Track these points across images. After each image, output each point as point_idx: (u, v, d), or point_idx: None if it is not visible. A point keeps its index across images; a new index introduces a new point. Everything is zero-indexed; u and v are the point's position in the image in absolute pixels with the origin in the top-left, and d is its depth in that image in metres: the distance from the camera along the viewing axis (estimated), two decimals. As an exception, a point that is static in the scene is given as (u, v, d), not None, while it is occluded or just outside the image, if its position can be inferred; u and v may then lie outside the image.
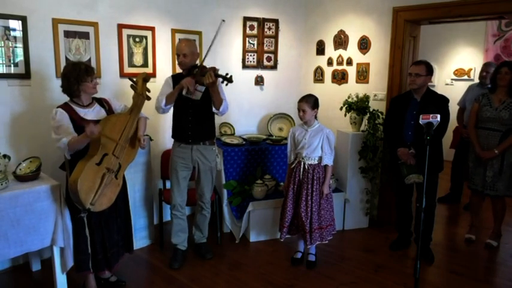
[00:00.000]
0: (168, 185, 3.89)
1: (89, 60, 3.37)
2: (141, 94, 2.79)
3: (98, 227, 2.66)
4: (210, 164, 3.25)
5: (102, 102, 2.77)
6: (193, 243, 3.47)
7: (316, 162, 3.15)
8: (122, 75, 3.63)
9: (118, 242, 2.81)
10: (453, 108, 4.52)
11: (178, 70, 3.95)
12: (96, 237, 2.65)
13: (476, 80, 6.32)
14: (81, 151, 2.56)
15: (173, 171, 3.21)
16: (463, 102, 4.50)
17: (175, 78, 3.18)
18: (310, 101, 3.13)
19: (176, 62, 3.91)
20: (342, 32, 4.31)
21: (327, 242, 3.26)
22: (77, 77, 2.53)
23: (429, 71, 3.20)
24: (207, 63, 3.90)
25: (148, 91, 2.86)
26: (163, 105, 3.07)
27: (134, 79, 2.87)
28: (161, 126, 3.95)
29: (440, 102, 3.15)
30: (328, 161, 3.15)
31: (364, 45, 4.13)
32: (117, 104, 2.86)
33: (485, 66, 4.39)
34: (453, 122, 5.43)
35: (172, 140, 3.26)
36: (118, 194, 2.71)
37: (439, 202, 4.81)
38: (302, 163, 3.15)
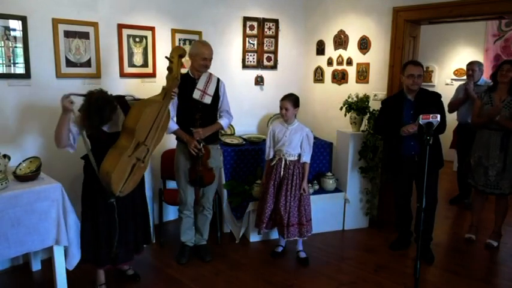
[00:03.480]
0: (168, 185, 3.90)
1: (89, 60, 3.37)
2: (176, 77, 2.71)
3: (105, 221, 2.64)
4: (216, 163, 3.30)
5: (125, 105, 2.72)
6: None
7: (296, 158, 3.26)
8: (122, 75, 3.63)
9: (134, 240, 2.80)
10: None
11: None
12: (101, 231, 2.65)
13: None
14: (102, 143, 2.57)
15: (180, 172, 3.20)
16: (454, 103, 4.51)
17: (182, 80, 3.03)
18: (292, 100, 3.24)
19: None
20: (342, 32, 4.31)
21: (306, 238, 3.35)
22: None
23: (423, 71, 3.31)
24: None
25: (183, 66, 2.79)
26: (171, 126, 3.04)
27: (169, 56, 2.77)
28: (161, 126, 3.95)
29: (434, 99, 3.21)
30: (306, 158, 3.27)
31: (364, 45, 4.13)
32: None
33: (470, 65, 4.42)
34: (453, 122, 5.44)
35: (174, 140, 3.26)
36: (135, 192, 2.72)
37: (451, 204, 4.82)
38: (283, 160, 3.24)
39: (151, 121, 2.60)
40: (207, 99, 3.11)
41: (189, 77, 3.14)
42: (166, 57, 2.82)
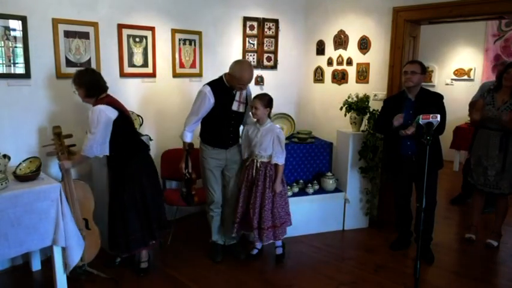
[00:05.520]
0: (168, 185, 3.90)
1: (89, 60, 3.37)
2: (62, 153, 2.84)
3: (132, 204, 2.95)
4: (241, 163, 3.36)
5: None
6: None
7: (267, 160, 3.17)
8: (122, 75, 3.63)
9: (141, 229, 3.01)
10: (454, 108, 4.54)
11: (178, 70, 3.99)
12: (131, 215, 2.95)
13: (477, 80, 6.37)
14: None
15: (208, 171, 3.23)
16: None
17: (217, 88, 3.04)
18: (263, 100, 3.10)
19: (176, 63, 3.96)
20: (342, 32, 4.31)
21: (280, 240, 3.29)
22: None
23: (423, 69, 3.25)
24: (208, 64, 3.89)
25: (70, 136, 2.98)
26: (187, 133, 3.14)
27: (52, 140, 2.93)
28: (161, 126, 3.95)
29: (435, 100, 3.19)
30: (278, 159, 3.15)
31: (364, 45, 4.13)
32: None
33: (503, 66, 4.22)
34: (453, 122, 5.45)
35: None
36: (155, 184, 3.05)
37: (452, 204, 4.81)
38: (255, 161, 3.18)
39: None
40: (242, 108, 3.18)
41: (224, 86, 3.08)
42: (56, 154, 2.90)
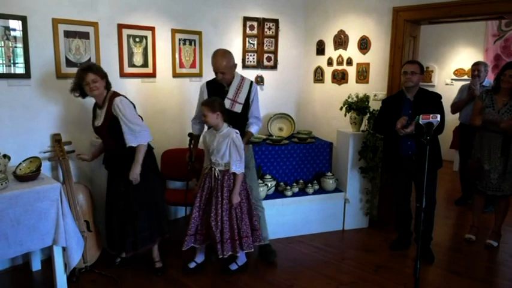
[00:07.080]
0: (169, 185, 3.90)
1: (89, 60, 3.37)
2: (63, 158, 2.98)
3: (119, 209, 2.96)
4: (252, 161, 3.32)
5: (110, 106, 2.83)
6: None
7: (225, 168, 2.95)
8: (122, 75, 3.63)
9: (144, 230, 2.98)
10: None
11: (178, 70, 3.99)
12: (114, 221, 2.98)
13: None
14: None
15: None
16: (459, 104, 4.47)
17: (211, 85, 3.11)
18: (210, 105, 2.87)
19: (176, 63, 3.96)
20: (342, 32, 4.31)
21: (239, 253, 3.07)
22: (77, 76, 2.82)
23: (422, 69, 3.26)
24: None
25: (69, 143, 3.15)
26: (192, 125, 3.31)
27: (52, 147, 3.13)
28: (161, 126, 3.95)
29: (434, 100, 3.19)
30: (235, 168, 2.90)
31: (364, 45, 4.13)
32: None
33: (476, 66, 4.37)
34: (453, 122, 5.44)
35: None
36: (161, 180, 3.10)
37: (456, 205, 4.81)
38: (213, 170, 2.98)
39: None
40: (238, 108, 3.06)
41: (217, 83, 3.07)
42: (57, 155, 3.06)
